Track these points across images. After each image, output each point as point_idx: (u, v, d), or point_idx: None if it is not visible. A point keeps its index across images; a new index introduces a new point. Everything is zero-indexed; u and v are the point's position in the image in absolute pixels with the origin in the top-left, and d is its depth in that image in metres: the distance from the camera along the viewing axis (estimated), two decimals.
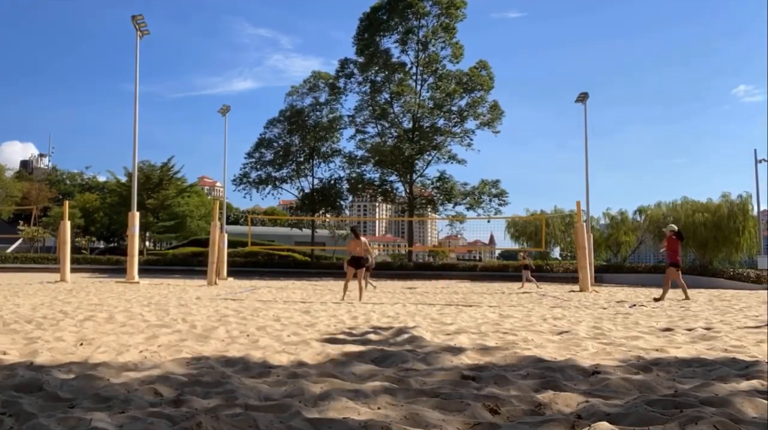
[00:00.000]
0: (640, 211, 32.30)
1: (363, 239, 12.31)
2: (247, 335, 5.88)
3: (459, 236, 51.22)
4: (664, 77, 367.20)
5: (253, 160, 36.53)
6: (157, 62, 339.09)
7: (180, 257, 35.53)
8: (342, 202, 37.90)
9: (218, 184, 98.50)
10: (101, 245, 54.27)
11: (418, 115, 34.37)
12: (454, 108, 34.53)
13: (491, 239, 65.26)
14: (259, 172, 36.34)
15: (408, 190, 35.28)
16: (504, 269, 31.26)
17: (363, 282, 12.13)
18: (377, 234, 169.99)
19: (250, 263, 32.70)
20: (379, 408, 2.96)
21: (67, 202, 22.62)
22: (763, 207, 31.85)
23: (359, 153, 36.11)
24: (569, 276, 26.44)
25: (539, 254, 33.85)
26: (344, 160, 36.69)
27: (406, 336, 5.85)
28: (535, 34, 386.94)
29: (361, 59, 35.33)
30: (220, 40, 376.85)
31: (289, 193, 38.53)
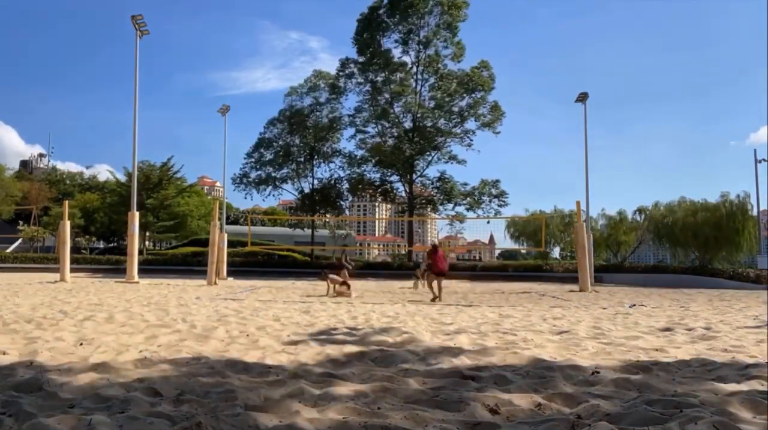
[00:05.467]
0: (640, 211, 32.32)
1: None
2: (247, 335, 5.88)
3: (459, 236, 51.24)
4: (670, 77, 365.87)
5: (253, 160, 36.57)
6: (181, 62, 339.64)
7: (180, 256, 35.52)
8: (342, 203, 37.90)
9: (218, 184, 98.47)
10: (101, 244, 54.25)
11: (419, 115, 34.37)
12: (455, 108, 34.54)
13: (491, 238, 65.29)
14: (258, 172, 36.38)
15: (408, 190, 35.29)
16: (504, 269, 31.27)
17: None
18: (377, 234, 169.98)
19: (250, 263, 32.69)
20: (379, 408, 2.96)
21: (67, 202, 22.62)
22: (763, 207, 31.86)
23: (359, 153, 36.15)
24: (569, 276, 26.44)
25: (539, 253, 33.86)
26: (344, 160, 36.72)
27: (406, 336, 5.85)
28: (544, 36, 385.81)
29: (361, 59, 35.35)
30: (243, 40, 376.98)
31: (289, 194, 38.57)
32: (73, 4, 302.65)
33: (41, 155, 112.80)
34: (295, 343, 5.38)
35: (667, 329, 6.79)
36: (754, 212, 28.29)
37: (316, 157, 36.58)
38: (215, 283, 18.71)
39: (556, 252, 40.16)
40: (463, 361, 4.51)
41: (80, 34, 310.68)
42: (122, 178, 41.14)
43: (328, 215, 39.07)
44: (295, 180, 36.74)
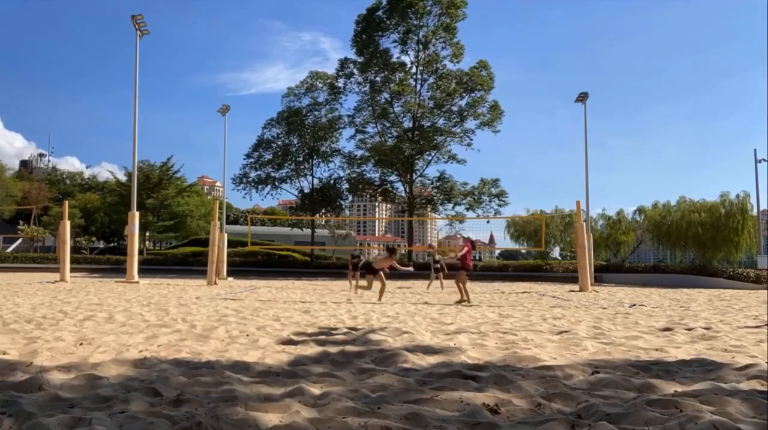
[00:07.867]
0: (640, 211, 32.32)
1: None
2: (247, 335, 5.87)
3: (459, 236, 51.15)
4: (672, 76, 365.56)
5: (252, 160, 36.59)
6: (192, 63, 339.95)
7: (180, 256, 35.53)
8: (342, 202, 37.90)
9: (218, 183, 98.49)
10: (101, 244, 54.24)
11: (418, 114, 34.38)
12: (454, 108, 34.57)
13: (491, 238, 65.31)
14: (258, 172, 36.39)
15: (408, 190, 35.29)
16: (504, 269, 31.28)
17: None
18: (377, 234, 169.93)
19: (250, 263, 32.70)
20: (378, 408, 2.96)
21: (67, 202, 22.63)
22: (762, 207, 31.82)
23: (359, 153, 36.17)
24: (569, 276, 26.44)
25: (539, 253, 33.87)
26: (344, 159, 36.73)
27: (405, 336, 5.85)
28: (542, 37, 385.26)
29: (360, 59, 35.37)
30: (255, 42, 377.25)
31: (288, 193, 38.58)
32: (86, 5, 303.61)
33: (41, 155, 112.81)
34: (295, 343, 5.38)
35: (667, 329, 6.79)
36: (754, 212, 28.27)
37: (315, 156, 36.58)
38: (215, 283, 18.71)
39: (556, 252, 40.18)
40: (463, 361, 4.50)
41: (94, 35, 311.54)
42: (122, 178, 41.17)
43: (328, 215, 39.08)
44: (295, 180, 36.77)
